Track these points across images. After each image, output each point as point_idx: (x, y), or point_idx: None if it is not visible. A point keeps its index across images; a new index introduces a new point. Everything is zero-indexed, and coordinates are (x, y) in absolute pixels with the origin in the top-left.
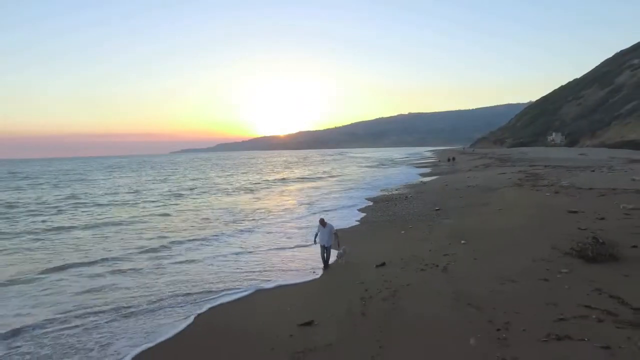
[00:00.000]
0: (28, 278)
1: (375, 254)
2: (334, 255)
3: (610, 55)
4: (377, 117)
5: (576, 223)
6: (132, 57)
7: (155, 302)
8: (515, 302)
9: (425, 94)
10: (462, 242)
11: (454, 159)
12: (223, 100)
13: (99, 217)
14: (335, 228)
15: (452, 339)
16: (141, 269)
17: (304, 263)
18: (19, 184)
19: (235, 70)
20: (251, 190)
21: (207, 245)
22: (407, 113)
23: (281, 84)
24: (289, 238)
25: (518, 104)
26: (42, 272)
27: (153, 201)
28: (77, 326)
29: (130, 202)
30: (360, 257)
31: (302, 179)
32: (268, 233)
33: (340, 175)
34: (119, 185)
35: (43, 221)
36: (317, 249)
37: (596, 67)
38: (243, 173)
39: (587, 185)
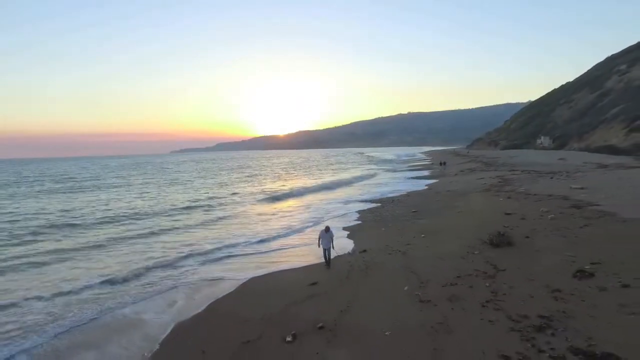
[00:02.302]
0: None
1: (360, 245)
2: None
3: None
4: (377, 116)
5: (505, 222)
6: (132, 57)
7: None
8: (438, 269)
9: (424, 94)
10: (422, 235)
11: (444, 163)
12: (222, 100)
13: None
14: (334, 234)
15: (396, 287)
16: (234, 256)
17: (315, 256)
18: (79, 186)
19: (235, 70)
20: (276, 199)
21: (262, 243)
22: (406, 113)
23: (281, 84)
24: (302, 239)
25: (517, 104)
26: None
27: (204, 207)
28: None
29: (185, 208)
30: (351, 247)
31: (319, 188)
32: (292, 236)
33: (349, 184)
34: (145, 191)
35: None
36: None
37: (588, 70)
38: (256, 177)
39: (536, 191)
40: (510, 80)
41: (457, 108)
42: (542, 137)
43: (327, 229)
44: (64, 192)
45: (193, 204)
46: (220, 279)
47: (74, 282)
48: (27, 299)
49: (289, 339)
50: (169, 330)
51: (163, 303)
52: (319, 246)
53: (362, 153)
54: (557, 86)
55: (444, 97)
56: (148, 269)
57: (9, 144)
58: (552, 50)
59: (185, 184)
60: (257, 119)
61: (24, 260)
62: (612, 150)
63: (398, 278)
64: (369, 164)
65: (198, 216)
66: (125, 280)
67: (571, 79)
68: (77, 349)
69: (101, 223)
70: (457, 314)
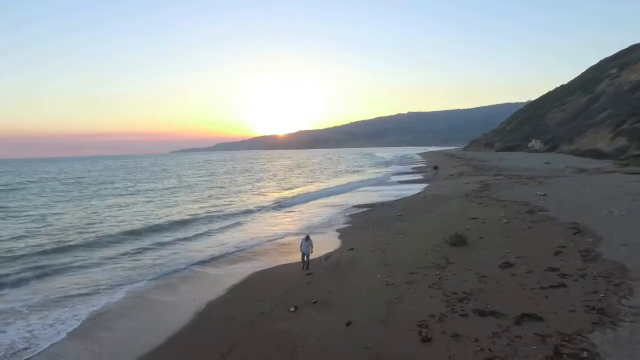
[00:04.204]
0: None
1: (349, 243)
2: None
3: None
4: (376, 116)
5: (468, 225)
6: (132, 57)
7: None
8: (406, 262)
9: (424, 94)
10: (400, 236)
11: (437, 167)
12: (222, 99)
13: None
14: (312, 241)
15: (371, 275)
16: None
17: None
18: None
19: (235, 70)
20: (282, 207)
21: (268, 244)
22: (406, 112)
23: (280, 84)
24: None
25: (517, 104)
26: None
27: (217, 214)
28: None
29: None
30: (340, 246)
31: (321, 195)
32: (294, 237)
33: (348, 191)
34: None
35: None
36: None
37: (582, 73)
38: (262, 181)
39: (505, 198)
40: (510, 80)
41: (456, 108)
42: (534, 140)
43: (307, 238)
44: (84, 199)
45: (206, 213)
46: (236, 272)
47: (114, 278)
48: (79, 294)
49: (292, 309)
50: (203, 307)
51: (192, 290)
52: (300, 250)
53: (363, 153)
54: (556, 86)
55: (443, 97)
56: (176, 267)
57: (9, 144)
58: (553, 51)
59: (194, 187)
60: (256, 118)
61: (71, 264)
62: (598, 154)
63: (374, 269)
64: (368, 167)
65: (213, 223)
66: (159, 275)
67: (571, 79)
68: (118, 317)
69: (125, 233)
70: (410, 292)
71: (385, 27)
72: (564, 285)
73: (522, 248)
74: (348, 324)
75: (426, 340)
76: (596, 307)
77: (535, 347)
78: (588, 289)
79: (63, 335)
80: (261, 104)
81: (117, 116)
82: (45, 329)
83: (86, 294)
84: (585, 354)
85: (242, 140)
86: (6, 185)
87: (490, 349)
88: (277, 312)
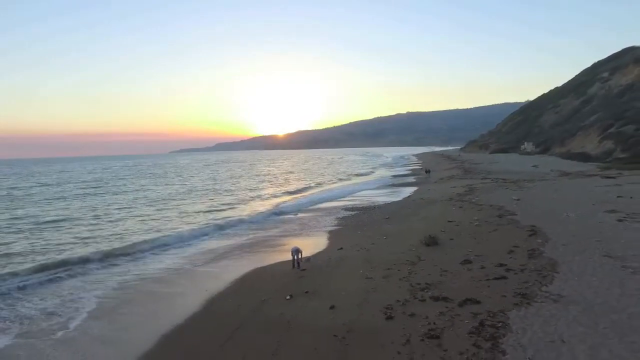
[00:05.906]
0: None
1: (339, 243)
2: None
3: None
4: (376, 116)
5: (444, 227)
6: (132, 57)
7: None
8: (385, 260)
9: (423, 94)
10: (384, 237)
11: (429, 171)
12: (222, 99)
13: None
14: (298, 248)
15: (355, 271)
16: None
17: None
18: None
19: (235, 69)
20: (283, 212)
21: (268, 244)
22: (405, 112)
23: (280, 84)
24: (298, 242)
25: (516, 103)
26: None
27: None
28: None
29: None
30: (331, 246)
31: (320, 200)
32: (292, 239)
33: (346, 195)
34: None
35: None
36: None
37: (576, 75)
38: (264, 183)
39: (484, 202)
40: (510, 80)
41: (456, 108)
42: (526, 143)
43: (297, 250)
44: (88, 204)
45: (209, 220)
46: (237, 270)
47: (120, 279)
48: (86, 289)
49: (287, 297)
50: (214, 295)
51: (203, 284)
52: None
53: (364, 154)
54: (554, 86)
55: (443, 97)
56: (190, 266)
57: (9, 144)
58: (552, 51)
59: (197, 192)
60: (256, 118)
61: (75, 269)
62: (585, 157)
63: (358, 265)
64: (368, 169)
65: (215, 228)
66: (175, 273)
67: (569, 79)
68: (131, 306)
69: (130, 240)
70: (384, 283)
71: (385, 27)
72: (505, 277)
73: (483, 248)
74: (332, 307)
75: (389, 318)
76: (521, 293)
77: (467, 321)
78: (522, 280)
79: (84, 315)
80: (261, 104)
81: (117, 116)
82: (62, 313)
83: (91, 290)
84: (499, 324)
85: (242, 140)
86: (14, 187)
87: (434, 323)
88: (275, 299)
